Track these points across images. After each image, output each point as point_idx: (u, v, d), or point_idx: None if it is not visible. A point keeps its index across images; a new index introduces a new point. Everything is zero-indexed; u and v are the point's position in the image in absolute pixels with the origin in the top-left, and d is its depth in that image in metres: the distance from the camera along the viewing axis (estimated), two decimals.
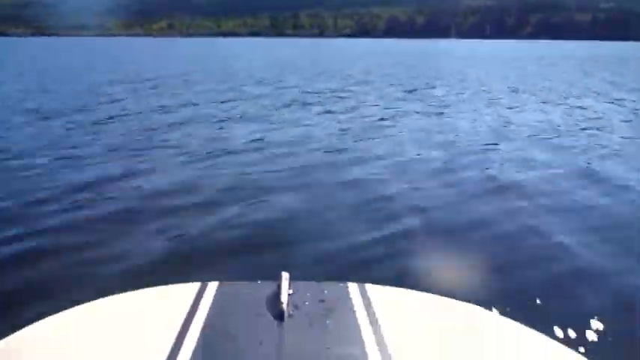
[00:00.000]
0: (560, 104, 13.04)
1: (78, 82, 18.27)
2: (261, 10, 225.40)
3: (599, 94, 15.64)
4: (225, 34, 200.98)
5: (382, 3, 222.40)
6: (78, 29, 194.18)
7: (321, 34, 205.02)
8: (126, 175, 6.26)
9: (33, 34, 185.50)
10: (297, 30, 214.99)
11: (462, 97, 14.25)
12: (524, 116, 10.86)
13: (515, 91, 15.91)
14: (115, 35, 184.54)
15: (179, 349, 1.09)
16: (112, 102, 12.91)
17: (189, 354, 1.08)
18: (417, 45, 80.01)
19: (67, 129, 9.30)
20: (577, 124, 9.95)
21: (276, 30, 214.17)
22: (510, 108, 12.26)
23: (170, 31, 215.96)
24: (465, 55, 42.60)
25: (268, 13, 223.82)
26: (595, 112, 11.82)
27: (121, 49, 60.51)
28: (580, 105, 13.04)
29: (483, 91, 15.86)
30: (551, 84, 18.51)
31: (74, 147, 7.79)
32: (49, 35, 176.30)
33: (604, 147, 7.95)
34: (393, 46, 72.43)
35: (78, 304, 1.31)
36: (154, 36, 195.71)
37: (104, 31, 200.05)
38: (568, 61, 34.29)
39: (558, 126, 9.72)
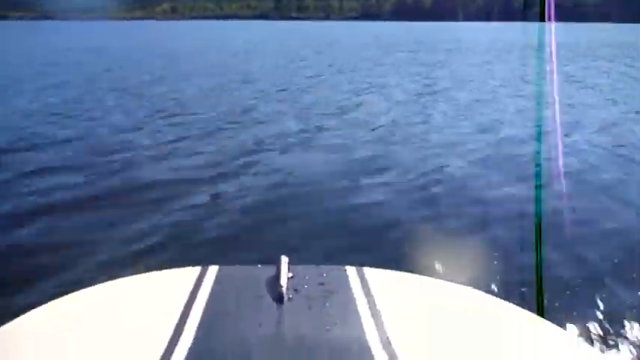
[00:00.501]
0: None
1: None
2: None
3: None
4: (228, 17, 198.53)
5: None
6: (80, 12, 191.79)
7: (327, 17, 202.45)
8: (126, 161, 6.25)
9: (34, 18, 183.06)
10: (302, 12, 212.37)
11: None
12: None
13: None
14: (118, 19, 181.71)
15: (181, 333, 1.10)
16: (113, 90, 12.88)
17: (191, 337, 1.09)
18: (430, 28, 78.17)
19: (68, 114, 9.54)
20: None
21: (280, 13, 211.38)
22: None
23: (173, 14, 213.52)
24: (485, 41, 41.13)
25: None
26: None
27: (140, 32, 60.63)
28: None
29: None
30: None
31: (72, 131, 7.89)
32: (50, 19, 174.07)
33: None
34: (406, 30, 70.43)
35: (78, 290, 1.30)
36: (157, 19, 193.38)
37: (106, 15, 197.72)
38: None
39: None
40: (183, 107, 10.58)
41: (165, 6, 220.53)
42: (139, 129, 8.31)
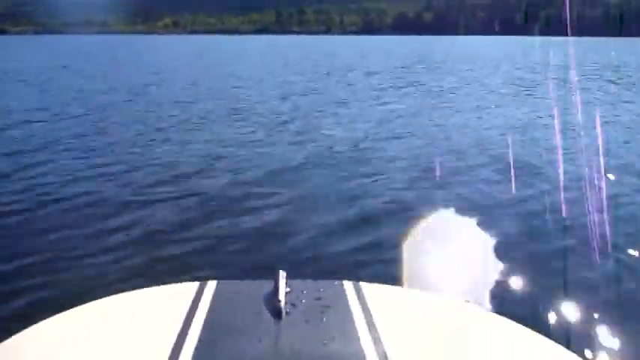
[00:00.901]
0: None
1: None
2: (265, 6, 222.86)
3: None
4: (229, 32, 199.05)
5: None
6: (81, 27, 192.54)
7: (328, 31, 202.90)
8: (122, 173, 6.37)
9: (35, 33, 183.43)
10: (303, 26, 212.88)
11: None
12: None
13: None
14: (120, 33, 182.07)
15: (180, 348, 1.11)
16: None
17: (190, 352, 1.10)
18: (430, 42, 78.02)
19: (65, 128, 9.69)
20: None
21: (282, 27, 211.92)
22: None
23: (174, 28, 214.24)
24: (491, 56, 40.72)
25: (273, 8, 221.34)
26: None
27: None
28: None
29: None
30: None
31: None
32: (51, 33, 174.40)
33: None
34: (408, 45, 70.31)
35: (77, 306, 1.31)
36: (159, 33, 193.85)
37: (108, 29, 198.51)
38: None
39: None
40: (170, 120, 10.74)
41: (167, 20, 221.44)
42: (134, 143, 8.38)
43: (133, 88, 16.75)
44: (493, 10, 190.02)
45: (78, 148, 8.01)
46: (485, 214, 5.05)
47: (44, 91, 16.07)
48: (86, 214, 5.04)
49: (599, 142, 7.77)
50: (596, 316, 3.22)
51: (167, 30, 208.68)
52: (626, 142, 8.91)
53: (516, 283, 3.64)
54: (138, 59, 35.91)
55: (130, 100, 14.01)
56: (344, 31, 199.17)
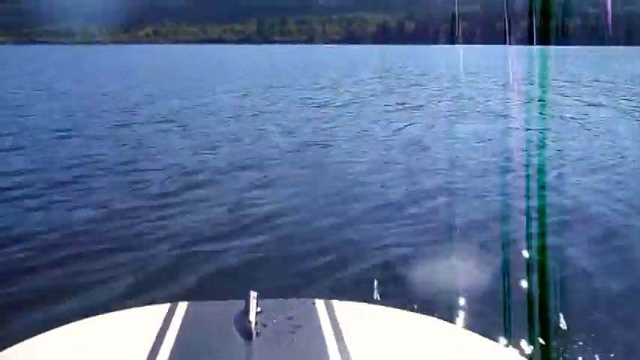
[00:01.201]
0: None
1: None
2: (248, 15, 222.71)
3: None
4: (211, 41, 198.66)
5: (371, 9, 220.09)
6: (63, 37, 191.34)
7: (310, 41, 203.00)
8: (88, 190, 6.22)
9: (17, 43, 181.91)
10: (285, 36, 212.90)
11: None
12: None
13: None
14: (102, 43, 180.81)
15: None
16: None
17: None
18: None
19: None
20: None
21: (264, 37, 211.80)
22: None
23: (156, 37, 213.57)
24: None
25: (255, 18, 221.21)
26: None
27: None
28: None
29: None
30: None
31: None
32: (33, 43, 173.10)
33: None
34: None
35: (44, 332, 1.30)
36: (141, 43, 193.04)
37: (90, 39, 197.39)
38: None
39: None
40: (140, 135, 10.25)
41: (149, 30, 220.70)
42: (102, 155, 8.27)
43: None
44: (476, 20, 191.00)
45: None
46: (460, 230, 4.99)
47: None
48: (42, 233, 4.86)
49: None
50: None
51: (148, 40, 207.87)
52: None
53: (489, 298, 3.63)
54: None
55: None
56: (326, 41, 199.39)
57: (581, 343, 3.06)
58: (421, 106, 14.99)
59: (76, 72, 31.99)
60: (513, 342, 3.00)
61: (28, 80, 24.82)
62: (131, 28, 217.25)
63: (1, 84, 22.97)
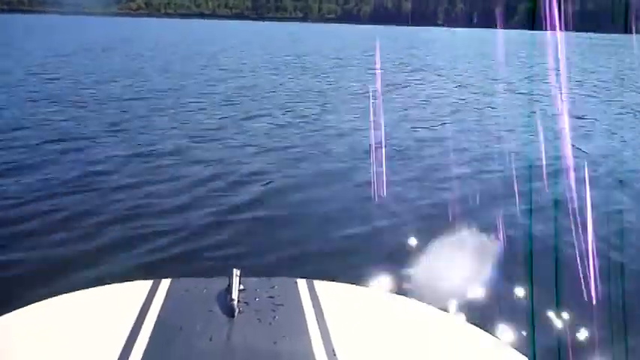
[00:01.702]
0: None
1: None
2: None
3: None
4: (204, 15, 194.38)
5: None
6: (48, 6, 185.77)
7: (305, 18, 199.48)
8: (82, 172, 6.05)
9: (1, 11, 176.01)
10: (280, 12, 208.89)
11: None
12: None
13: None
14: (92, 15, 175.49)
15: (131, 347, 1.10)
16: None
17: (141, 351, 1.09)
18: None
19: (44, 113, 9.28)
20: None
21: (258, 13, 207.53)
22: None
23: (148, 10, 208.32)
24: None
25: None
26: None
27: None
28: None
29: None
30: None
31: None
32: (20, 12, 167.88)
33: None
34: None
35: (23, 306, 1.28)
36: (132, 16, 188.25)
37: (79, 10, 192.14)
38: None
39: None
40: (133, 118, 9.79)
41: (140, 2, 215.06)
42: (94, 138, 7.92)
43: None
44: (473, 2, 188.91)
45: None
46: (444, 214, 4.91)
47: None
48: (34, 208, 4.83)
49: None
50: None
51: (139, 13, 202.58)
52: None
53: (470, 284, 3.59)
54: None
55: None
56: (322, 19, 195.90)
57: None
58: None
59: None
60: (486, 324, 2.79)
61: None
62: (122, 0, 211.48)
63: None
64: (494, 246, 4.25)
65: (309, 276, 1.44)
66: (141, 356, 1.05)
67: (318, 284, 1.37)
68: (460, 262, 3.93)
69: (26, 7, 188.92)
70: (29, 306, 1.27)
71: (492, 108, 12.28)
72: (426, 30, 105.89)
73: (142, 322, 1.16)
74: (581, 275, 3.61)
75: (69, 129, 8.54)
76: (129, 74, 16.19)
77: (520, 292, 3.62)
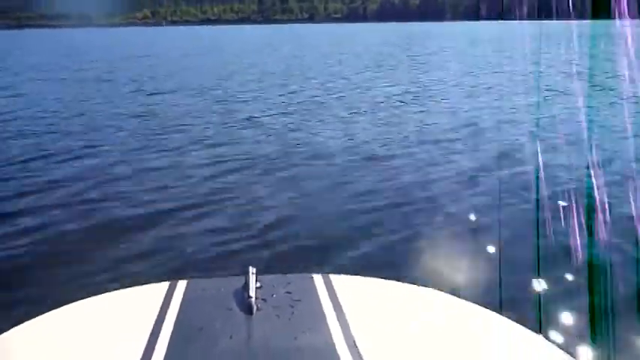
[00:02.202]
0: None
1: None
2: None
3: None
4: (211, 21, 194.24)
5: None
6: (55, 20, 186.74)
7: (312, 19, 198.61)
8: (97, 179, 6.15)
9: (9, 27, 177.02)
10: (286, 14, 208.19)
11: None
12: None
13: None
14: (99, 26, 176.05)
15: (152, 349, 1.11)
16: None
17: (163, 352, 1.10)
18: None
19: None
20: None
21: (264, 15, 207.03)
22: None
23: (154, 19, 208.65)
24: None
25: None
26: None
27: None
28: None
29: None
30: None
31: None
32: (24, 27, 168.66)
33: None
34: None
35: (46, 312, 1.29)
36: (138, 25, 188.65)
37: (86, 22, 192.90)
38: None
39: None
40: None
41: (146, 11, 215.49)
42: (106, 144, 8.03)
43: None
44: None
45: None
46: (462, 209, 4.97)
47: None
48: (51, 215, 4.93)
49: None
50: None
51: (146, 22, 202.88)
52: None
53: (491, 272, 3.59)
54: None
55: None
56: (329, 19, 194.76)
57: None
58: None
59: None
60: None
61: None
62: (127, 10, 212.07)
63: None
64: (504, 237, 4.24)
65: (325, 271, 1.42)
66: (163, 356, 1.06)
67: (335, 278, 1.36)
68: (477, 252, 3.97)
69: (36, 22, 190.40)
70: (49, 312, 1.27)
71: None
72: (449, 25, 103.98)
73: (161, 324, 1.16)
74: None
75: (95, 137, 8.70)
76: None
77: (542, 282, 3.51)
